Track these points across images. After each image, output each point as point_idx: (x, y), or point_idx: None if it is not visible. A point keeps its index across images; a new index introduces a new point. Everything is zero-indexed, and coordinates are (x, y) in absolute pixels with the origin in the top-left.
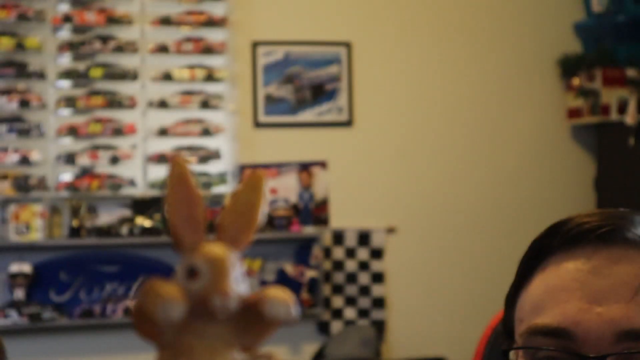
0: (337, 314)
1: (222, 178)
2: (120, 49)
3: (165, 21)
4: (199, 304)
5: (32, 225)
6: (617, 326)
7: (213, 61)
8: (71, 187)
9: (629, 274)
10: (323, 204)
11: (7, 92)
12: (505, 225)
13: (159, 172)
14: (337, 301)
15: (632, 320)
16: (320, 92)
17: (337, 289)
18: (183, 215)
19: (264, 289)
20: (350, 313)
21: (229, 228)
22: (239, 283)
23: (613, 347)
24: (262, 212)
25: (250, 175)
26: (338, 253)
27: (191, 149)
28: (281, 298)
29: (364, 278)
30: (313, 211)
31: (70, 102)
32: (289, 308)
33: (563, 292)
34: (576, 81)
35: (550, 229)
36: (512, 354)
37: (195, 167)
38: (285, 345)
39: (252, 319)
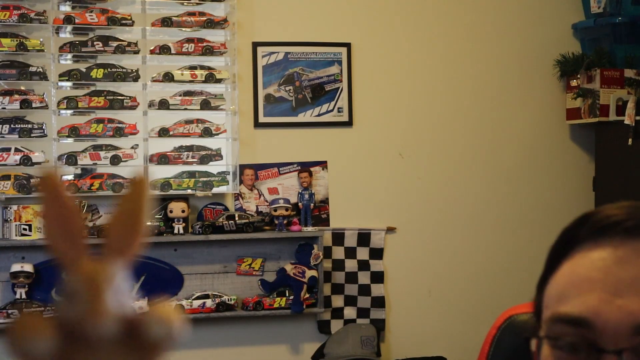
0: (337, 313)
1: (222, 178)
2: (121, 49)
3: (167, 22)
4: (79, 329)
5: (34, 225)
6: (636, 319)
7: (214, 62)
8: (72, 187)
9: None
10: (323, 204)
11: (9, 92)
12: (504, 224)
13: (161, 172)
14: (337, 300)
15: None
16: (320, 93)
17: (337, 289)
18: (60, 232)
19: (151, 306)
20: (350, 312)
21: (114, 237)
22: (120, 299)
23: (630, 340)
24: (147, 218)
25: (133, 180)
26: (338, 253)
27: (192, 149)
28: (162, 318)
29: (364, 278)
30: (313, 211)
31: (71, 102)
32: (170, 328)
33: (587, 282)
34: (575, 82)
35: (579, 219)
36: (534, 340)
37: (197, 167)
38: (285, 345)
39: (137, 338)
